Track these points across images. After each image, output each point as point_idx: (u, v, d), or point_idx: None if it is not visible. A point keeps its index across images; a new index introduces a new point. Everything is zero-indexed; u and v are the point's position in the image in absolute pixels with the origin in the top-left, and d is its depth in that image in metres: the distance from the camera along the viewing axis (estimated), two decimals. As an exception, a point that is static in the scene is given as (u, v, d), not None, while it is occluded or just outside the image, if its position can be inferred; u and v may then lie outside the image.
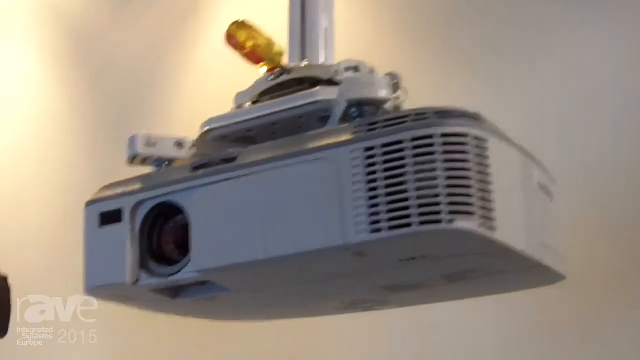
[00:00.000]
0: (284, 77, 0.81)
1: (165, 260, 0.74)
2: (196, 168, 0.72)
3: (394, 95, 0.77)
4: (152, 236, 0.75)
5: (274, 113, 0.76)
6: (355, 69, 0.80)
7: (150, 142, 0.77)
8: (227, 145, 0.80)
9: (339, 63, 0.80)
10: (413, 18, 1.52)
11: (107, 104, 2.00)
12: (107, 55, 2.03)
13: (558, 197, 0.78)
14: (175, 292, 0.76)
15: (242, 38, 0.75)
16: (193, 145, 0.79)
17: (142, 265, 0.74)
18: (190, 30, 1.88)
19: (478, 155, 0.61)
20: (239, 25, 0.76)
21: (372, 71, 0.81)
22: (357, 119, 0.67)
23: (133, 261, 0.74)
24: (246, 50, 0.75)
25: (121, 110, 1.96)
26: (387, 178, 0.61)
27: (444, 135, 0.60)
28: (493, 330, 1.32)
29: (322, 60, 0.86)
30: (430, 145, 0.60)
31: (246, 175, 0.68)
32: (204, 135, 0.80)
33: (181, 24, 1.90)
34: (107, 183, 0.77)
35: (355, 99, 0.67)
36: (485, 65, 1.41)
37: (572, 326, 1.24)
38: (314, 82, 0.81)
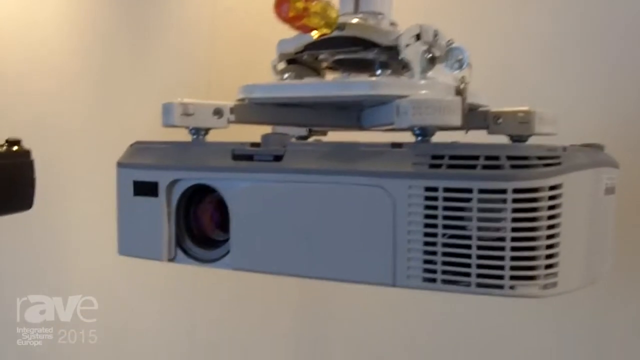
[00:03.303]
0: (335, 33, 0.73)
1: (203, 237, 0.72)
2: (237, 157, 0.67)
3: (459, 78, 0.69)
4: (189, 212, 0.72)
5: (323, 97, 0.68)
6: (418, 36, 0.71)
7: (187, 112, 0.71)
8: (268, 110, 0.74)
9: (400, 31, 0.71)
10: None
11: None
12: None
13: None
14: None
15: (300, 6, 0.64)
16: (232, 112, 0.73)
17: (179, 243, 0.72)
18: None
19: (550, 207, 0.55)
20: None
21: (435, 35, 0.72)
22: (420, 140, 0.60)
23: (169, 239, 0.71)
24: (299, 23, 0.65)
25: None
26: (446, 227, 0.56)
27: (517, 190, 0.54)
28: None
29: (377, 7, 0.76)
30: (502, 201, 0.54)
31: (292, 182, 0.63)
32: (242, 100, 0.74)
33: None
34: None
35: (419, 125, 0.59)
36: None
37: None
38: (369, 44, 0.73)
